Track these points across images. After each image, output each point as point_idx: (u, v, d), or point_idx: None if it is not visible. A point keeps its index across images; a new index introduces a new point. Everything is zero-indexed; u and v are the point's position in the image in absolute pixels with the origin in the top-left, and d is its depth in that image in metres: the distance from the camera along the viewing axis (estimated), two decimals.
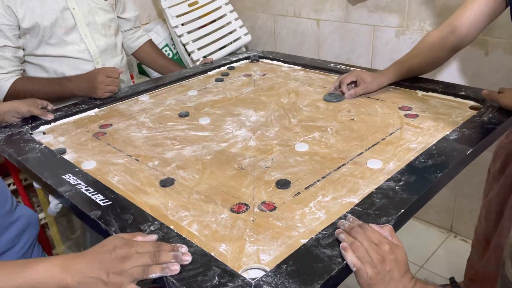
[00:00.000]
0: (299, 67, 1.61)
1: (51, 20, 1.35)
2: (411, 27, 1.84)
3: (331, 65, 1.55)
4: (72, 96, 1.37)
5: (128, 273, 0.63)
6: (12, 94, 1.37)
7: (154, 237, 0.71)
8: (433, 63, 1.27)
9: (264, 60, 1.73)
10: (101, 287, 0.63)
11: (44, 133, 1.19)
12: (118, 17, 1.57)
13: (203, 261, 0.66)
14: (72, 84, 1.36)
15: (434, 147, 0.95)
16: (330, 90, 1.33)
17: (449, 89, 1.25)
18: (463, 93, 1.21)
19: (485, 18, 1.15)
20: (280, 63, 1.68)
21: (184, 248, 0.68)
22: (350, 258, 0.64)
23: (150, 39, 1.73)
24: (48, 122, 1.23)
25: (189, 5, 2.28)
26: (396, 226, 0.73)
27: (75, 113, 1.29)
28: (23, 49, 1.40)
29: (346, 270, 0.65)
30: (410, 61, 1.27)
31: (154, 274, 0.64)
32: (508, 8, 1.12)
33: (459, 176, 0.95)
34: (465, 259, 1.86)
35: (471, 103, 1.18)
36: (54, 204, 0.92)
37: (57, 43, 1.39)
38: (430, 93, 1.27)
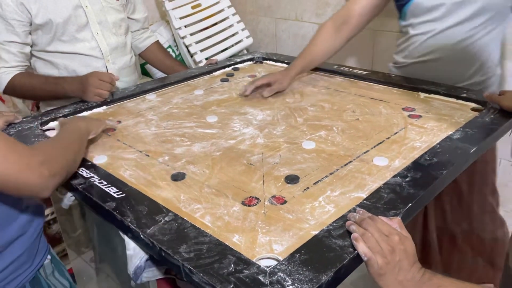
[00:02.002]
0: None
1: (64, 17, 1.37)
2: None
3: (335, 67, 1.58)
4: (66, 96, 1.37)
5: None
6: (11, 88, 1.39)
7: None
8: (330, 52, 1.42)
9: (268, 62, 1.76)
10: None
11: (54, 129, 1.21)
12: (128, 17, 1.59)
13: (218, 249, 0.68)
14: (67, 84, 1.36)
15: (438, 145, 0.98)
16: (246, 93, 1.37)
17: (451, 91, 1.28)
18: (464, 95, 1.24)
19: (373, 10, 1.36)
20: (284, 64, 1.70)
21: None
22: (362, 248, 0.67)
23: (157, 40, 1.76)
24: (58, 118, 1.25)
25: (192, 7, 2.32)
26: (404, 219, 0.75)
27: (84, 110, 1.31)
28: (32, 46, 1.42)
29: (357, 260, 0.67)
30: (311, 52, 1.40)
31: None
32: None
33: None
34: None
35: (473, 105, 1.21)
36: (67, 197, 0.94)
37: (69, 40, 1.41)
38: (432, 95, 1.30)
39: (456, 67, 1.31)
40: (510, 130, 1.14)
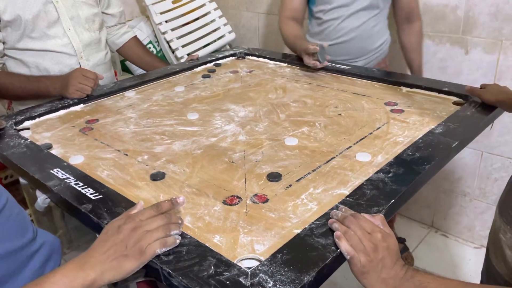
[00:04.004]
0: (286, 64, 1.62)
1: (34, 13, 1.33)
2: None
3: None
4: (47, 94, 1.33)
5: (146, 237, 0.64)
6: None
7: (141, 203, 0.72)
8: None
9: (251, 57, 1.73)
10: (125, 261, 0.62)
11: (28, 129, 1.17)
12: (102, 12, 1.55)
13: (198, 251, 0.66)
14: (49, 81, 1.32)
15: (420, 140, 0.97)
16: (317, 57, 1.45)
17: (432, 85, 1.28)
18: (446, 89, 1.24)
19: (305, 1, 1.62)
20: (266, 60, 1.69)
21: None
22: (344, 246, 0.65)
23: (135, 36, 1.72)
24: (33, 118, 1.21)
25: (173, 2, 2.27)
26: (387, 216, 0.74)
27: (60, 109, 1.27)
28: (4, 43, 1.37)
29: (340, 258, 0.66)
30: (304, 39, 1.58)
31: (170, 246, 0.66)
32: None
33: (439, 173, 0.98)
34: (445, 253, 1.91)
35: (454, 98, 1.22)
36: (42, 199, 0.91)
37: (40, 36, 1.37)
38: (414, 89, 1.30)
39: (363, 44, 1.58)
40: (491, 124, 1.14)
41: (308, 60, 1.47)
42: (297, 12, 1.62)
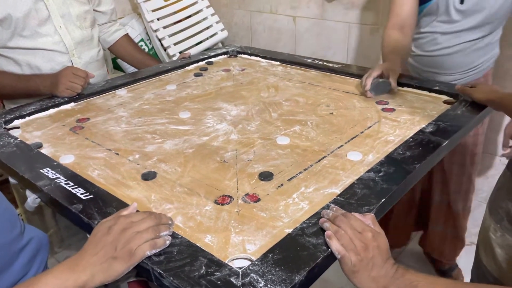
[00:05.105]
0: (278, 63, 1.62)
1: (24, 11, 1.31)
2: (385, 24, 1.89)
3: (309, 60, 1.57)
4: (38, 93, 1.32)
5: (136, 238, 0.64)
6: None
7: (134, 205, 0.72)
8: (406, 48, 1.42)
9: (243, 56, 1.73)
10: (114, 263, 0.63)
11: (18, 128, 1.16)
12: (94, 10, 1.53)
13: (190, 251, 0.66)
14: (39, 80, 1.31)
15: (411, 139, 0.98)
16: (368, 88, 1.25)
17: (423, 84, 1.29)
18: (436, 88, 1.25)
19: (416, 7, 1.40)
20: (258, 58, 1.68)
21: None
22: (335, 246, 0.66)
23: (127, 33, 1.70)
24: (23, 116, 1.20)
25: (165, 0, 2.27)
26: (378, 215, 0.75)
27: (51, 107, 1.26)
28: None
29: (331, 258, 0.67)
30: (400, 53, 1.38)
31: (160, 247, 0.66)
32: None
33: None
34: None
35: (445, 97, 1.22)
36: (32, 199, 0.90)
37: (31, 35, 1.35)
38: (405, 88, 1.30)
39: (458, 61, 1.41)
40: (481, 123, 1.15)
41: (364, 84, 1.26)
42: (407, 19, 1.39)
